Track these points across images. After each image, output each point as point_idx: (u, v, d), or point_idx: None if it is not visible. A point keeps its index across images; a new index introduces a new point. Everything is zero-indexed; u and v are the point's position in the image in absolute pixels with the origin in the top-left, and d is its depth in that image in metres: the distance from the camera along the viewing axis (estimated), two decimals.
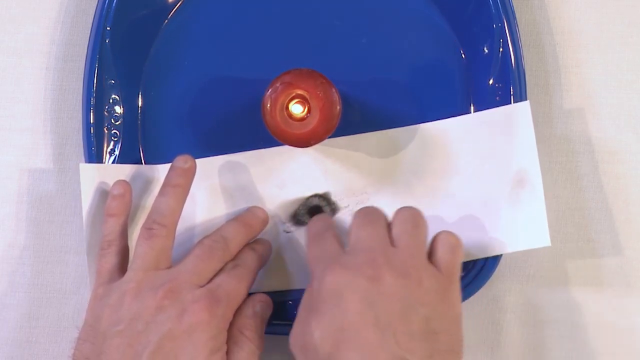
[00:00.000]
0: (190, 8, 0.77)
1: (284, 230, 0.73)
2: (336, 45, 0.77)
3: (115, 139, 0.76)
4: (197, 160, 0.72)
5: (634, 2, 0.78)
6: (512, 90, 0.74)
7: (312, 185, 0.74)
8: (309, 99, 0.70)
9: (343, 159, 0.73)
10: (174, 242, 0.70)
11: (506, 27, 0.75)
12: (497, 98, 0.75)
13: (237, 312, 0.69)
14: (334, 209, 0.73)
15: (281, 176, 0.73)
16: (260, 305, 0.70)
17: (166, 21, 0.77)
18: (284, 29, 0.77)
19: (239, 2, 0.77)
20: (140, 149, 0.77)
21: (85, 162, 0.75)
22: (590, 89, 0.78)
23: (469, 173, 0.73)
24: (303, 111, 0.70)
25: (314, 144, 0.72)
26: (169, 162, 0.73)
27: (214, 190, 0.74)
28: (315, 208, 0.73)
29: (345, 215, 0.73)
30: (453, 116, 0.76)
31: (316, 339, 0.62)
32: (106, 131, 0.75)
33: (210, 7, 0.77)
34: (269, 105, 0.70)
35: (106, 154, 0.75)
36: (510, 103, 0.74)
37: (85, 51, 0.75)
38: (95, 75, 0.75)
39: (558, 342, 0.77)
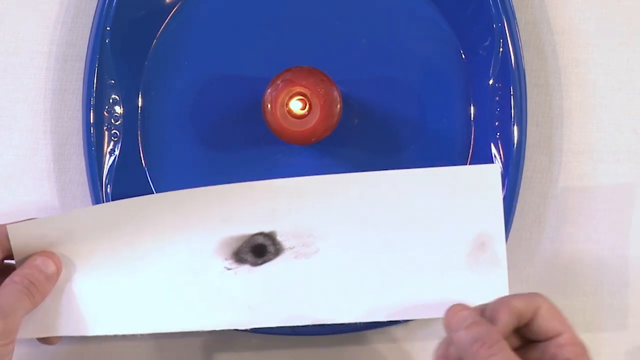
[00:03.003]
0: (190, 8, 0.77)
1: (225, 267, 0.71)
2: (336, 45, 0.77)
3: (115, 139, 0.76)
4: (143, 198, 0.70)
5: (634, 2, 0.78)
6: (512, 90, 0.74)
7: (258, 223, 0.71)
8: (309, 96, 0.70)
9: (294, 199, 0.70)
10: None
11: (506, 27, 0.75)
12: (497, 98, 0.75)
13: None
14: (278, 249, 0.71)
15: (227, 212, 0.70)
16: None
17: (166, 21, 0.77)
18: (284, 29, 0.77)
19: (238, 1, 0.77)
20: (140, 149, 0.77)
21: (85, 162, 0.75)
22: (590, 89, 0.78)
23: (426, 229, 0.70)
24: (304, 109, 0.70)
25: (315, 141, 0.72)
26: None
27: (157, 227, 0.71)
28: (259, 247, 0.71)
29: (289, 257, 0.71)
30: (453, 115, 0.76)
31: None
32: (106, 131, 0.75)
33: (210, 7, 0.77)
34: (269, 103, 0.71)
35: (106, 154, 0.75)
36: (510, 103, 0.74)
37: (85, 51, 0.75)
38: (95, 75, 0.75)
39: None
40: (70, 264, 0.70)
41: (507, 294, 0.69)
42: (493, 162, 0.75)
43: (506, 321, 0.62)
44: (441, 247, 0.70)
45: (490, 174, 0.69)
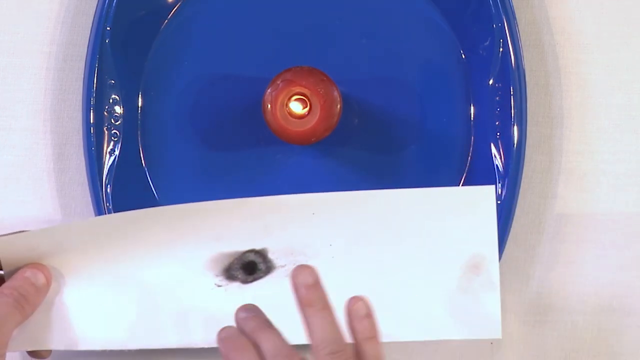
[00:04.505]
0: (190, 8, 0.77)
1: (215, 284, 0.70)
2: (336, 45, 0.77)
3: (115, 139, 0.76)
4: (134, 212, 0.68)
5: (634, 2, 0.78)
6: (512, 90, 0.74)
7: (250, 240, 0.70)
8: (309, 96, 0.70)
9: (286, 217, 0.69)
10: None
11: (506, 27, 0.75)
12: (497, 98, 0.75)
13: None
14: (269, 267, 0.70)
15: (219, 228, 0.69)
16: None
17: (166, 21, 0.77)
18: (284, 29, 0.77)
19: (238, 1, 0.77)
20: (140, 149, 0.77)
21: (85, 162, 0.75)
22: (590, 89, 0.78)
23: (420, 249, 0.69)
24: (304, 109, 0.70)
25: (315, 141, 0.72)
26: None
27: (148, 242, 0.70)
28: (250, 264, 0.70)
29: (280, 275, 0.70)
30: (453, 115, 0.76)
31: None
32: (106, 131, 0.75)
33: (210, 7, 0.77)
34: (269, 103, 0.71)
35: (106, 154, 0.75)
36: (510, 103, 0.74)
37: (85, 51, 0.75)
38: (95, 75, 0.75)
39: (558, 342, 0.77)
40: (60, 276, 0.69)
41: (499, 318, 0.69)
42: (493, 163, 0.75)
43: None
44: (434, 269, 0.69)
45: (485, 195, 0.68)
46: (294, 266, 0.67)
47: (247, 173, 0.77)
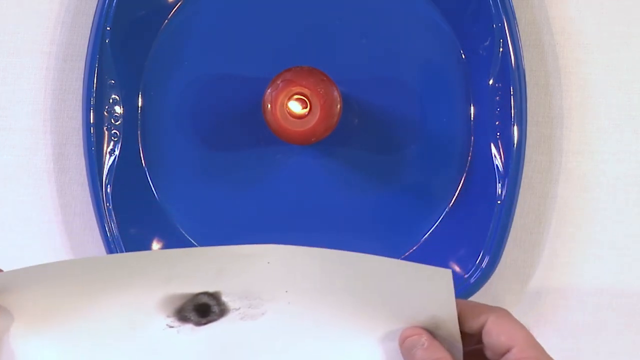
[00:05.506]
0: (190, 8, 0.77)
1: (167, 325, 0.67)
2: (336, 45, 0.77)
3: (115, 139, 0.76)
4: (85, 259, 0.68)
5: (634, 2, 0.78)
6: (512, 90, 0.74)
7: (203, 284, 0.67)
8: (309, 96, 0.70)
9: (240, 264, 0.66)
10: None
11: (506, 27, 0.75)
12: (497, 98, 0.75)
13: None
14: (223, 309, 0.67)
15: (169, 272, 0.66)
16: None
17: (166, 21, 0.77)
18: (284, 29, 0.77)
19: (238, 1, 0.77)
20: (140, 149, 0.77)
21: (85, 162, 0.75)
22: (590, 89, 0.78)
23: (379, 313, 0.66)
24: (304, 109, 0.71)
25: (315, 141, 0.72)
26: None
27: (98, 287, 0.67)
28: (203, 306, 0.67)
29: (234, 318, 0.67)
30: (453, 115, 0.76)
31: None
32: (106, 131, 0.75)
33: (210, 7, 0.77)
34: (269, 103, 0.71)
35: (106, 154, 0.75)
36: (510, 103, 0.74)
37: (85, 51, 0.75)
38: (95, 75, 0.75)
39: (558, 342, 0.77)
40: (8, 315, 0.66)
41: None
42: (493, 163, 0.75)
43: None
44: (387, 325, 0.66)
45: (443, 277, 0.63)
46: (249, 309, 0.66)
47: (247, 173, 0.77)
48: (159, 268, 0.66)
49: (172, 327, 0.68)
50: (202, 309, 0.67)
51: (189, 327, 0.67)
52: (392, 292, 0.65)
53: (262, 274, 0.66)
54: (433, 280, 0.63)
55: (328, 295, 0.67)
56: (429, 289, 0.64)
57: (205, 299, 0.67)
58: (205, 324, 0.67)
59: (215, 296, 0.67)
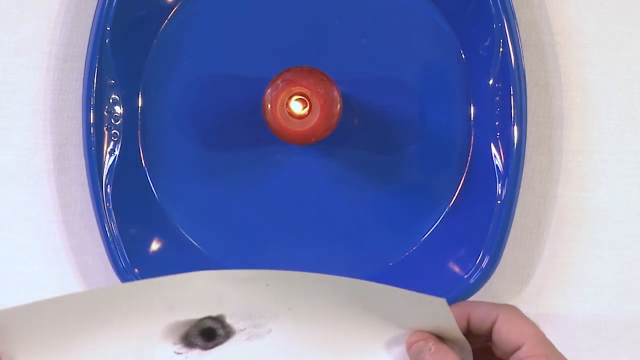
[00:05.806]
0: (190, 8, 0.77)
1: (175, 352, 0.68)
2: (336, 45, 0.77)
3: (115, 139, 0.76)
4: (84, 292, 0.67)
5: (634, 2, 0.78)
6: (512, 90, 0.74)
7: (205, 309, 0.67)
8: (309, 96, 0.70)
9: (239, 287, 0.66)
10: None
11: (506, 27, 0.75)
12: (497, 98, 0.75)
13: None
14: (228, 331, 0.68)
15: (171, 300, 0.67)
16: None
17: (166, 21, 0.77)
18: (284, 29, 0.77)
19: (238, 1, 0.77)
20: (140, 149, 0.77)
21: (85, 162, 0.75)
22: (590, 89, 0.78)
23: (383, 323, 0.67)
24: (304, 109, 0.71)
25: (315, 141, 0.72)
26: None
27: (102, 322, 0.67)
28: (208, 330, 0.68)
29: (241, 339, 0.68)
30: (453, 115, 0.76)
31: None
32: (106, 131, 0.75)
33: (210, 7, 0.77)
34: (269, 103, 0.71)
35: (106, 154, 0.75)
36: (510, 103, 0.74)
37: (85, 51, 0.75)
38: (95, 75, 0.75)
39: (558, 342, 0.77)
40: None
41: None
42: (493, 163, 0.75)
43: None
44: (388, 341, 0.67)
45: (439, 305, 0.63)
46: (254, 329, 0.67)
47: (247, 173, 0.77)
48: (159, 296, 0.66)
49: (179, 353, 0.68)
50: (207, 333, 0.68)
51: (196, 353, 0.68)
52: (393, 308, 0.66)
53: (263, 295, 0.67)
54: (431, 303, 0.64)
55: (331, 310, 0.67)
56: (427, 309, 0.64)
57: (209, 323, 0.68)
58: (212, 347, 0.68)
59: (219, 319, 0.68)
